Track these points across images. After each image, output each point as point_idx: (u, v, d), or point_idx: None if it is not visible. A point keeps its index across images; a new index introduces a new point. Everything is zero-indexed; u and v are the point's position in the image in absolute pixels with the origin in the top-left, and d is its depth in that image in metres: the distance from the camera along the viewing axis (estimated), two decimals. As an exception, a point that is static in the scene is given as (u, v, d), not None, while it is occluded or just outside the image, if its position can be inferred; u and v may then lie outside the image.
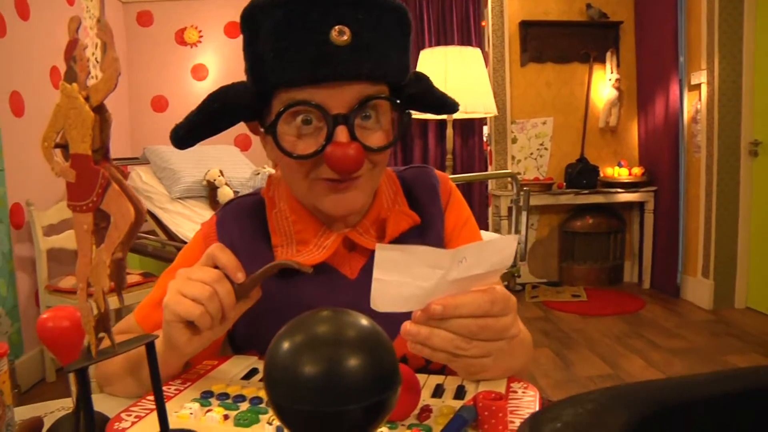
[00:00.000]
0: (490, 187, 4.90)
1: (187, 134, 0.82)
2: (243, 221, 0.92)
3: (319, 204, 0.84)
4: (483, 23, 4.92)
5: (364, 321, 0.33)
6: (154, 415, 0.66)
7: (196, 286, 0.70)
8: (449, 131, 3.57)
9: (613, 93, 4.76)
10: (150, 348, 0.41)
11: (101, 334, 0.40)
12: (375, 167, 0.83)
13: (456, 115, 3.69)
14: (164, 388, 0.73)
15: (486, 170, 4.91)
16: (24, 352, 2.98)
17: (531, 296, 4.52)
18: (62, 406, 0.82)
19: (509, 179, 4.70)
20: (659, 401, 0.37)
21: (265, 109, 0.83)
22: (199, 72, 4.70)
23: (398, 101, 0.82)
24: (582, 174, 4.59)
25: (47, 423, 0.69)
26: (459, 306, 0.57)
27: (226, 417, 0.64)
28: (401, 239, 0.89)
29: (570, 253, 4.86)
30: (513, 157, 4.84)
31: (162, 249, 3.09)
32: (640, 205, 4.76)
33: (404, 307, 0.58)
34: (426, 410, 0.64)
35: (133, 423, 0.64)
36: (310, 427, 0.31)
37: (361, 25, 0.75)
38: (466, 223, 0.99)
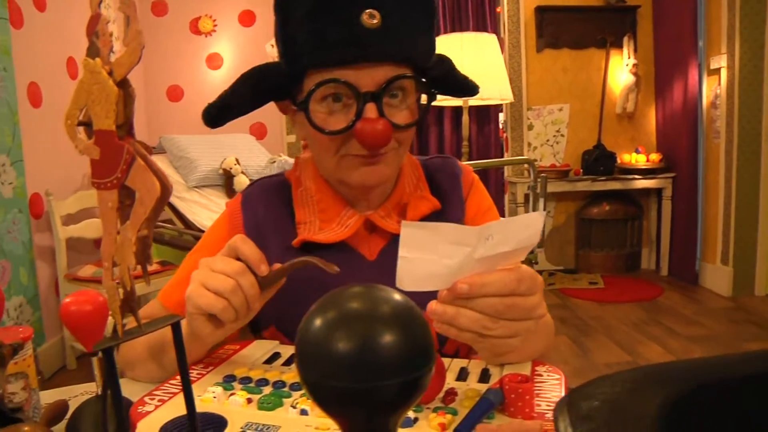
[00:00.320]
0: (506, 174, 4.86)
1: (219, 113, 0.86)
2: (268, 199, 0.94)
3: (348, 177, 0.86)
4: (498, 9, 4.87)
5: (398, 296, 0.32)
6: (178, 399, 0.66)
7: (219, 279, 0.70)
8: (465, 118, 3.55)
9: (630, 78, 4.69)
10: (176, 328, 0.41)
11: (127, 315, 0.39)
12: (400, 145, 0.86)
13: (472, 102, 3.66)
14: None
15: (502, 157, 4.87)
16: (45, 340, 3.02)
17: (548, 284, 4.50)
18: (86, 390, 0.83)
19: (526, 166, 4.67)
20: (696, 379, 0.37)
21: (296, 88, 0.85)
22: (213, 61, 4.70)
23: (423, 80, 0.85)
24: (599, 161, 4.55)
25: (72, 406, 0.70)
26: (485, 284, 0.57)
27: (249, 401, 0.64)
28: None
29: (587, 240, 4.82)
30: (529, 144, 4.80)
31: (179, 237, 3.11)
32: (658, 192, 4.71)
33: (430, 286, 0.57)
34: (451, 393, 0.64)
35: (157, 407, 0.64)
36: (343, 405, 0.30)
37: (390, 9, 0.78)
38: (488, 211, 1.01)
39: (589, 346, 3.23)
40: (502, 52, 4.36)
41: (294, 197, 0.93)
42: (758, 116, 3.90)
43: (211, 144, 3.78)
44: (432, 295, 0.59)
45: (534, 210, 3.05)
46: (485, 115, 4.81)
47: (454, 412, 0.60)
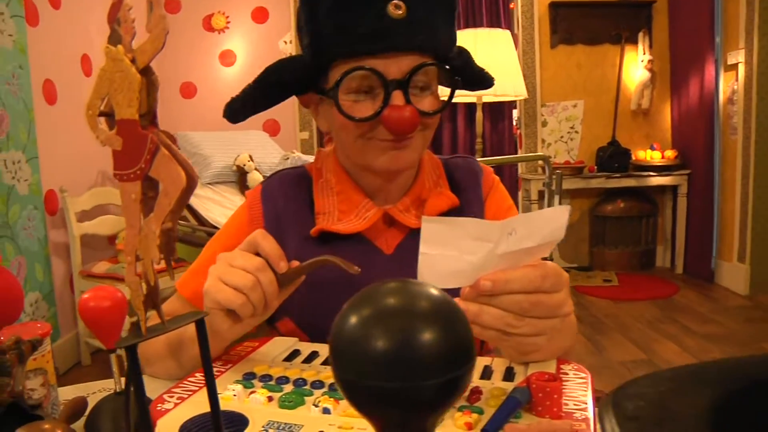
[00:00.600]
0: (519, 171, 4.83)
1: (242, 107, 0.88)
2: (287, 189, 0.95)
3: (373, 162, 0.87)
4: (512, 5, 4.83)
5: (435, 291, 0.30)
6: (197, 397, 0.65)
7: (238, 275, 0.70)
8: (479, 114, 3.52)
9: (645, 74, 4.64)
10: (200, 325, 0.40)
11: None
12: (425, 130, 0.87)
13: (485, 98, 3.64)
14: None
15: (516, 154, 4.84)
16: (60, 336, 3.03)
17: (561, 282, 4.46)
18: (103, 387, 0.82)
19: (540, 163, 4.63)
20: (742, 378, 0.35)
21: (321, 79, 0.87)
22: (227, 58, 4.70)
23: (447, 67, 0.87)
24: (613, 157, 4.50)
25: (90, 403, 0.69)
26: (509, 281, 0.55)
27: (270, 399, 0.63)
28: None
29: (601, 237, 4.78)
30: (543, 141, 4.77)
31: (192, 234, 3.11)
32: (673, 189, 4.66)
33: (452, 283, 0.56)
34: (476, 392, 0.62)
35: (176, 404, 0.63)
36: (379, 405, 0.29)
37: (414, 0, 0.80)
38: (508, 211, 1.02)
39: (604, 344, 3.20)
40: (516, 48, 4.33)
41: (314, 188, 0.93)
42: (776, 112, 3.85)
43: (224, 141, 3.79)
44: (454, 292, 0.58)
45: (549, 207, 3.02)
46: (499, 111, 4.78)
47: (480, 411, 0.58)
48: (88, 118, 0.35)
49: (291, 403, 0.62)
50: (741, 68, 3.96)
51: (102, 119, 0.36)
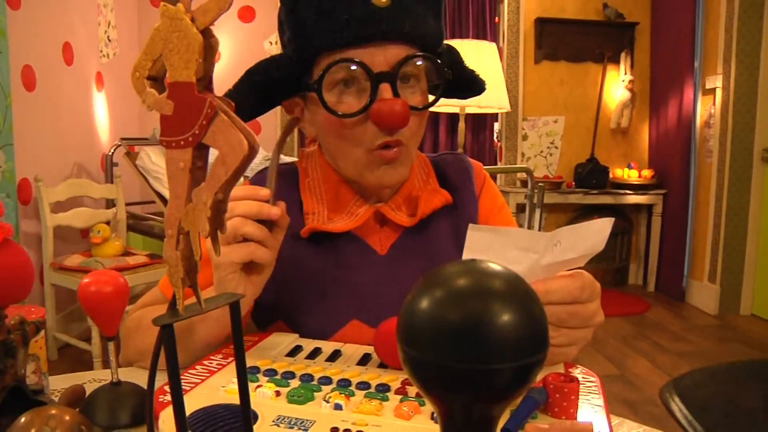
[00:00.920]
0: (498, 183, 4.86)
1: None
2: (277, 187, 0.90)
3: (367, 177, 0.84)
4: (496, 20, 4.88)
5: (506, 270, 0.29)
6: (200, 389, 0.63)
7: (231, 227, 0.70)
8: (461, 125, 3.53)
9: (625, 94, 4.72)
10: (234, 308, 0.38)
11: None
12: (413, 136, 0.84)
13: (468, 109, 3.65)
14: (205, 362, 0.70)
15: (495, 166, 4.87)
16: (26, 329, 2.94)
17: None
18: (93, 378, 0.79)
19: (519, 175, 4.67)
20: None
21: (306, 77, 0.82)
22: (210, 55, 4.65)
23: (437, 60, 0.83)
24: (592, 174, 4.56)
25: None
26: (550, 292, 0.54)
27: (278, 393, 0.61)
28: (433, 217, 0.90)
29: (576, 253, 4.83)
30: (523, 155, 4.81)
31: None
32: (648, 208, 4.74)
33: None
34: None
35: (179, 395, 0.60)
36: (447, 387, 0.27)
37: None
38: (502, 209, 0.98)
39: (577, 359, 3.21)
40: (501, 62, 4.37)
41: (301, 187, 0.90)
42: (751, 137, 3.95)
43: (205, 138, 3.74)
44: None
45: (530, 219, 3.04)
46: (481, 123, 4.81)
47: (497, 412, 0.57)
48: (135, 80, 0.33)
49: (300, 398, 0.60)
50: (718, 93, 4.05)
51: (148, 82, 0.34)
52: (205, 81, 0.32)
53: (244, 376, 0.39)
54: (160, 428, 0.56)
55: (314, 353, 0.75)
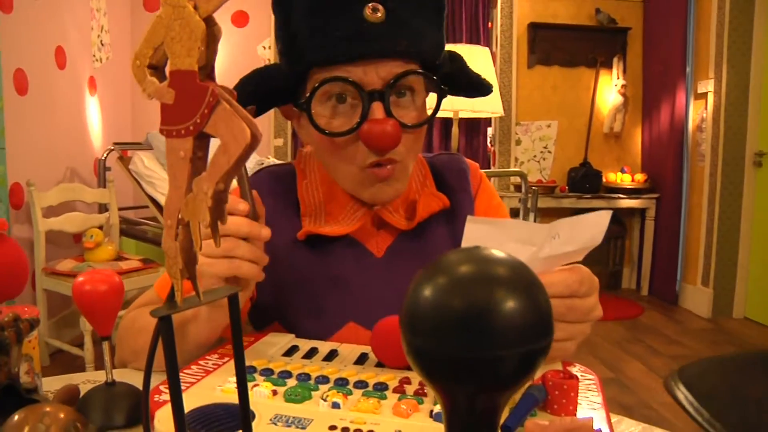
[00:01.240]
0: (492, 188, 4.87)
1: None
2: (274, 187, 0.91)
3: (361, 194, 0.84)
4: (489, 25, 4.90)
5: (509, 257, 0.29)
6: (196, 388, 0.62)
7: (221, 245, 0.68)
8: (455, 129, 3.54)
9: (618, 99, 4.75)
10: (233, 300, 0.38)
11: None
12: (409, 152, 0.82)
13: (462, 114, 3.66)
14: (201, 362, 0.70)
15: (489, 170, 4.88)
16: (18, 335, 2.92)
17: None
18: (87, 379, 0.78)
19: (512, 180, 4.68)
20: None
21: (299, 89, 0.82)
22: (203, 60, 4.64)
23: (434, 76, 0.81)
24: (585, 178, 4.58)
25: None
26: (548, 285, 0.54)
27: (274, 392, 0.60)
28: (431, 220, 0.89)
29: (569, 257, 4.84)
30: (516, 159, 4.82)
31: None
32: (642, 212, 4.76)
33: None
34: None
35: (175, 395, 0.60)
36: (454, 375, 0.27)
37: (395, 2, 0.75)
38: (498, 208, 0.98)
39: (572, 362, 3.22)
40: (494, 66, 4.39)
41: (299, 189, 0.90)
42: (742, 141, 3.97)
43: (198, 142, 3.72)
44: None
45: (524, 223, 3.04)
46: (474, 127, 4.82)
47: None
48: (135, 68, 0.33)
49: (298, 397, 0.59)
50: (710, 97, 4.08)
51: (148, 71, 0.34)
52: (207, 69, 0.32)
53: (242, 368, 0.38)
54: (156, 428, 0.56)
55: (311, 353, 0.74)
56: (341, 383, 0.63)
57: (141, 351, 0.81)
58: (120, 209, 3.43)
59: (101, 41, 3.95)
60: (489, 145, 5.00)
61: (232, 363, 0.70)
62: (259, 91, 0.81)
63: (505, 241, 0.52)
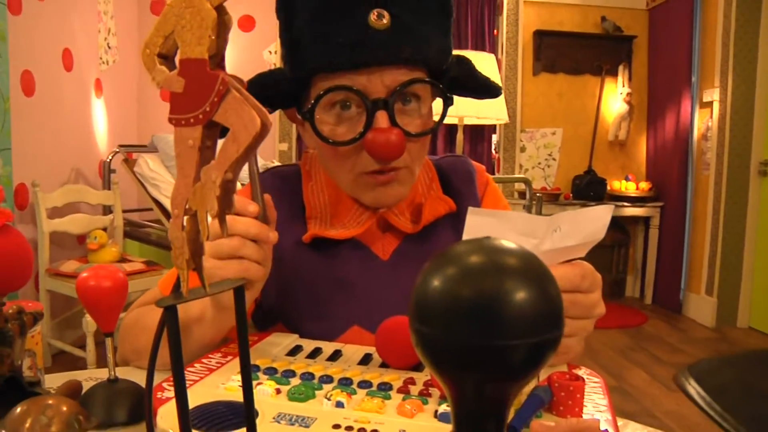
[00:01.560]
0: (496, 195, 4.86)
1: None
2: (279, 189, 0.90)
3: (361, 197, 0.84)
4: (495, 32, 4.91)
5: (519, 247, 0.29)
6: (199, 386, 0.62)
7: (224, 244, 0.67)
8: (459, 136, 3.54)
9: (623, 107, 4.75)
10: (239, 293, 0.37)
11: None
12: (414, 160, 0.82)
13: (467, 121, 3.66)
14: (204, 360, 0.70)
15: (494, 176, 4.88)
16: (21, 335, 2.92)
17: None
18: (90, 377, 0.78)
19: (517, 186, 4.68)
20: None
21: (303, 95, 0.82)
22: (209, 64, 4.65)
23: (440, 85, 0.80)
24: (590, 186, 4.57)
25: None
26: None
27: (278, 391, 0.60)
28: (437, 224, 0.89)
29: (573, 265, 4.83)
30: (521, 166, 4.82)
31: (167, 238, 3.04)
32: (646, 220, 4.75)
33: None
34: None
35: (178, 392, 0.60)
36: (462, 365, 0.26)
37: (401, 8, 0.74)
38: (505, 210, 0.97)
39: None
40: (499, 74, 4.39)
41: (304, 191, 0.89)
42: (747, 150, 3.96)
43: (203, 146, 3.73)
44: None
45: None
46: (479, 134, 4.82)
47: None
48: (145, 57, 0.33)
49: (301, 395, 0.59)
50: (716, 106, 4.07)
51: (158, 60, 0.33)
52: (218, 59, 0.32)
53: (247, 361, 0.38)
54: (158, 425, 0.55)
55: (315, 353, 0.74)
56: (345, 383, 0.63)
57: (143, 349, 0.80)
58: (124, 211, 3.43)
59: (108, 44, 3.97)
60: (493, 151, 5.00)
61: (235, 361, 0.69)
62: (263, 95, 0.79)
63: (506, 233, 0.51)
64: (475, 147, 4.84)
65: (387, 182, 0.80)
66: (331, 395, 0.58)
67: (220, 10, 0.31)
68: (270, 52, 4.57)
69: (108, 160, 3.62)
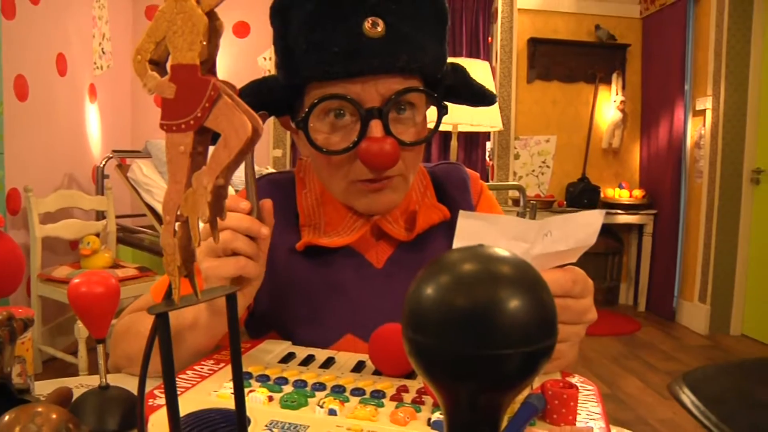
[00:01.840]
0: (490, 202, 4.86)
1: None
2: (274, 194, 0.88)
3: (354, 204, 0.83)
4: (489, 40, 4.92)
5: (513, 255, 0.28)
6: (191, 393, 0.62)
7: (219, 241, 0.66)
8: (453, 143, 3.54)
9: (617, 115, 4.76)
10: (231, 300, 0.37)
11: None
12: (408, 168, 0.82)
13: (461, 128, 3.67)
14: (197, 367, 0.69)
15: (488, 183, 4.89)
16: (12, 341, 2.89)
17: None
18: (80, 383, 0.77)
19: (510, 194, 4.68)
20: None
21: (297, 102, 0.81)
22: (204, 70, 4.65)
23: (435, 94, 0.80)
24: (584, 193, 4.59)
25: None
26: None
27: (270, 398, 0.60)
28: (431, 232, 0.88)
29: (567, 272, 4.83)
30: (515, 173, 4.83)
31: (160, 244, 3.02)
32: (639, 228, 4.76)
33: None
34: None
35: (169, 399, 0.59)
36: (456, 374, 0.26)
37: (395, 16, 0.74)
38: None
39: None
40: (494, 81, 4.40)
41: (298, 198, 0.89)
42: (740, 158, 3.98)
43: (197, 151, 3.72)
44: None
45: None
46: (473, 141, 4.83)
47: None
48: (136, 63, 0.32)
49: (294, 403, 0.58)
50: (708, 114, 4.10)
51: (149, 66, 0.33)
52: (209, 64, 0.32)
53: (239, 368, 0.38)
54: (150, 432, 0.55)
55: (307, 360, 0.74)
56: (338, 390, 0.62)
57: (135, 356, 0.80)
58: (117, 217, 3.42)
59: (102, 49, 3.96)
60: (487, 159, 5.01)
61: (227, 369, 0.69)
62: (257, 102, 0.80)
63: (497, 236, 0.51)
64: (469, 154, 4.84)
65: (380, 189, 0.80)
66: (324, 403, 0.58)
67: (212, 15, 0.31)
68: (265, 59, 4.58)
69: (101, 166, 3.61)
